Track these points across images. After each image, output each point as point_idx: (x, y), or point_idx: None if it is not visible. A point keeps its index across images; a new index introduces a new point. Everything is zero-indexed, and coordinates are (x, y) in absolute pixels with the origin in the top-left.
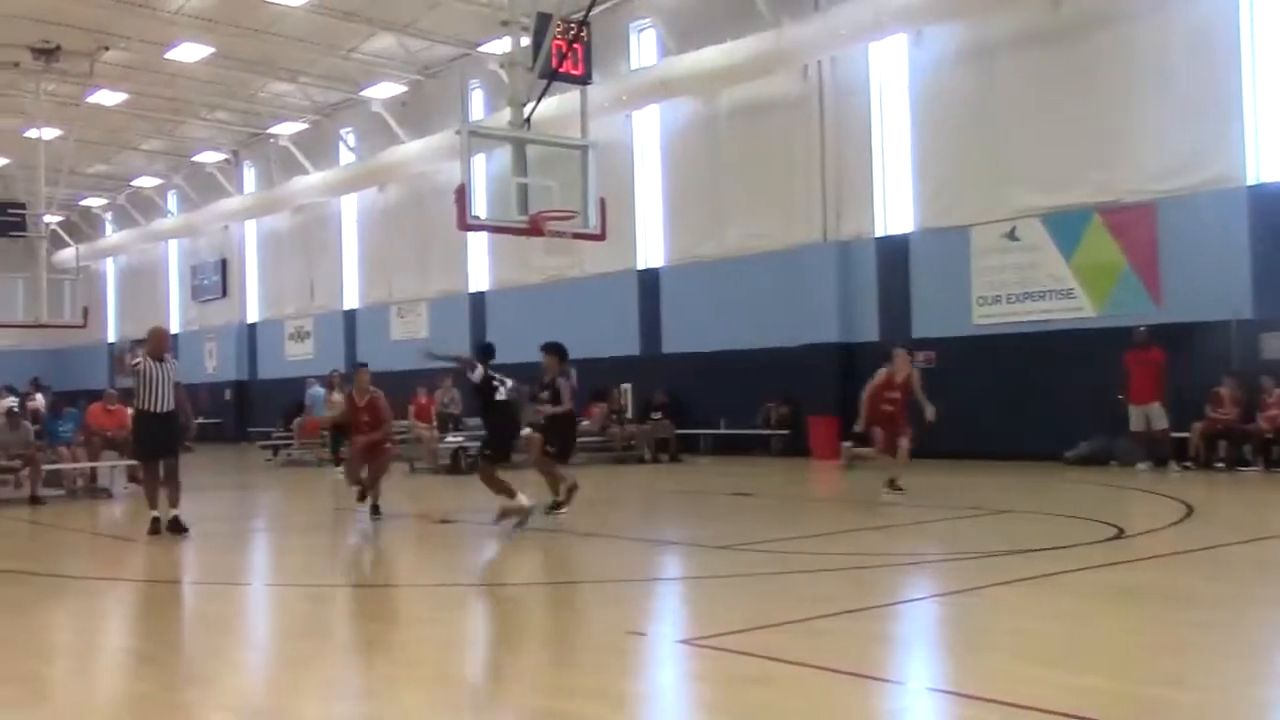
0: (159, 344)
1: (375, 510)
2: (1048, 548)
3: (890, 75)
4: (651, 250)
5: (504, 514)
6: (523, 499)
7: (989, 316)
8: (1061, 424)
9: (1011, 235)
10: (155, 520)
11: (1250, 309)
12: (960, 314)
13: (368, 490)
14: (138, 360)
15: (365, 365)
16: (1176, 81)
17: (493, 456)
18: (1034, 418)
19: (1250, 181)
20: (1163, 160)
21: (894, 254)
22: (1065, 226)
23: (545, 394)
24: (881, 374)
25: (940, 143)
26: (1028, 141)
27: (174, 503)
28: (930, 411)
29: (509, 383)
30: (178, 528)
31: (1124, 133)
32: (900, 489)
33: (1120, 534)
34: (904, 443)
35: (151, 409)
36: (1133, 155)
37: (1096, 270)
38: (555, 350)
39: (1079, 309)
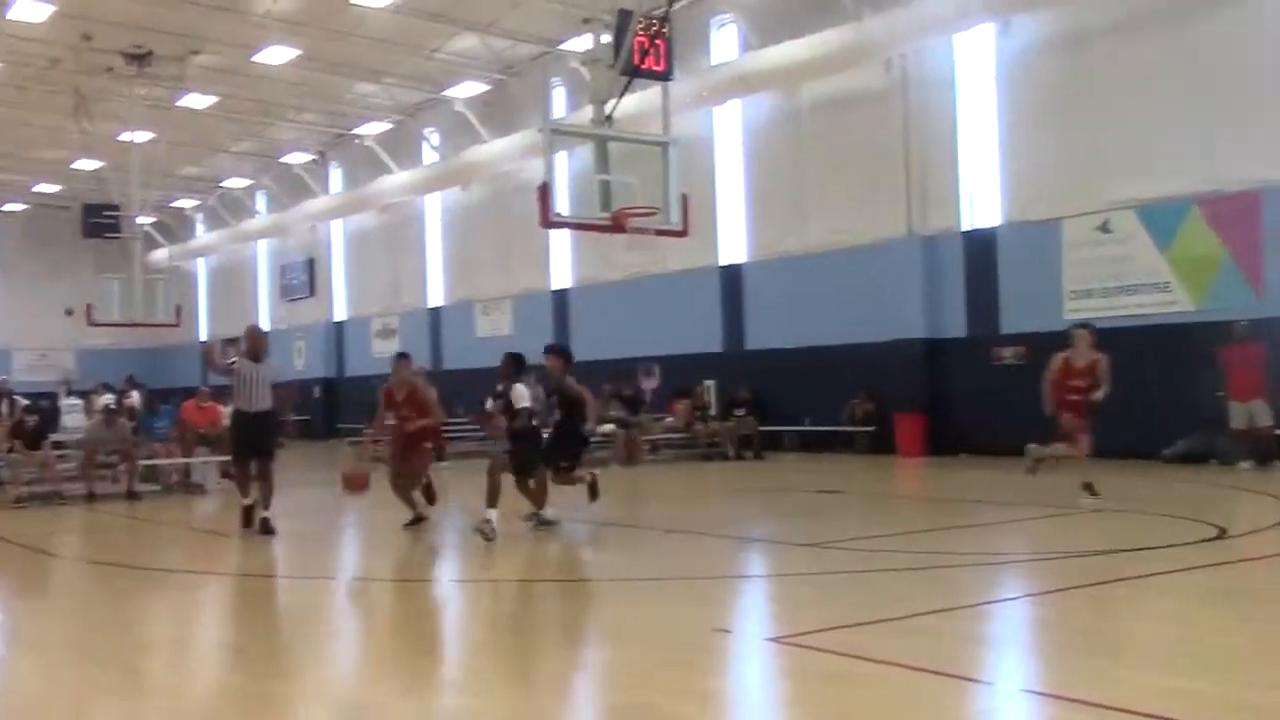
0: (255, 344)
1: (418, 521)
2: (1145, 548)
3: (976, 66)
4: (734, 246)
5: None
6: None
7: (1081, 311)
8: (1158, 421)
9: (1104, 228)
10: (247, 510)
11: None
12: (1050, 308)
13: (408, 497)
14: (233, 360)
15: (406, 355)
16: (1271, 66)
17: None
18: (1129, 414)
19: None
20: (1269, 148)
21: (981, 248)
22: (1161, 218)
23: (553, 398)
24: (1059, 359)
25: (1029, 134)
26: (1121, 132)
27: (265, 504)
28: (1100, 393)
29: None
30: (267, 529)
31: (1225, 120)
32: (1096, 494)
33: (1222, 534)
34: (1082, 440)
35: (246, 409)
36: (1235, 143)
37: (1194, 263)
38: (561, 353)
39: (1175, 303)
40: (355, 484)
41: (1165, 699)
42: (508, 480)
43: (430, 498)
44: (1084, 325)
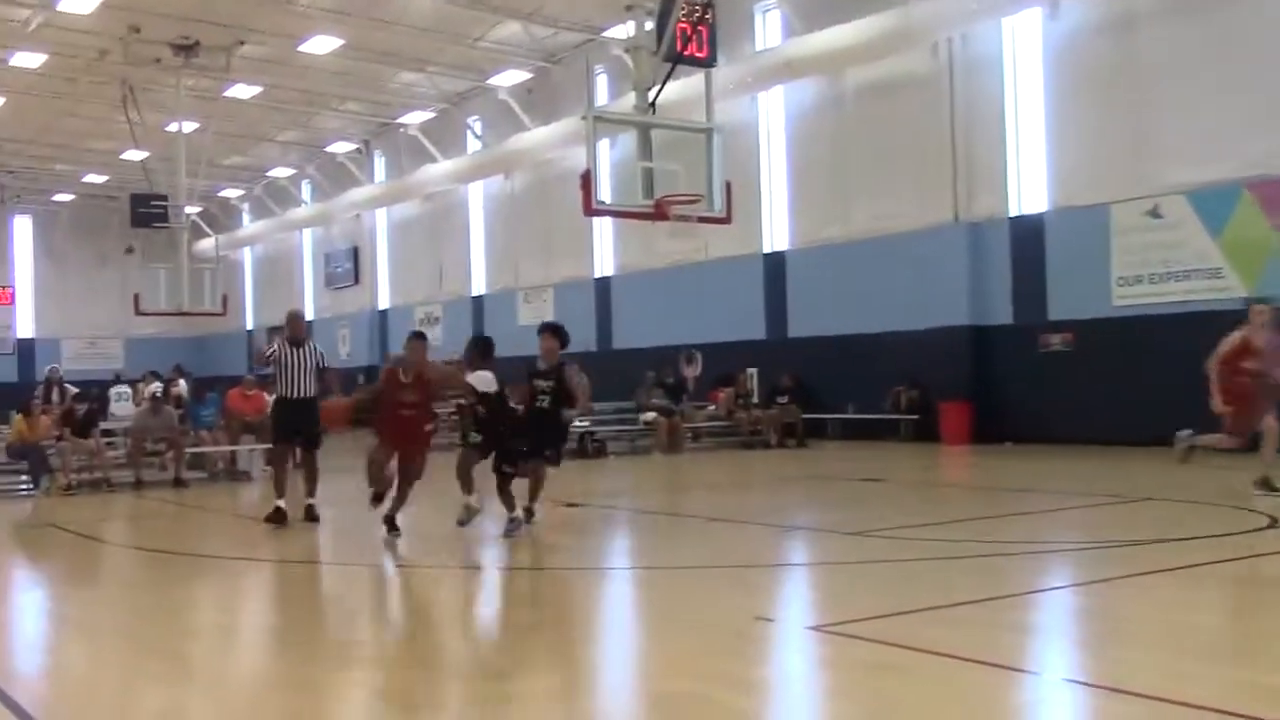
0: (296, 327)
1: (392, 524)
2: (1194, 537)
3: (1024, 50)
4: (777, 233)
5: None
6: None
7: (1130, 298)
8: (1209, 409)
9: (1154, 213)
10: (278, 510)
11: None
12: (1099, 295)
13: (385, 495)
14: (272, 349)
15: (422, 335)
16: None
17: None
18: (1179, 402)
19: None
20: None
21: (1028, 234)
22: (1212, 203)
23: (545, 384)
24: (1235, 338)
25: (1077, 119)
26: (1171, 115)
27: (310, 491)
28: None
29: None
30: (311, 516)
31: (1277, 102)
32: (1276, 489)
33: (1274, 523)
34: (1271, 424)
35: (289, 395)
36: None
37: (1247, 248)
38: (558, 333)
39: (1227, 288)
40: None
41: (1224, 691)
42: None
43: (382, 497)
44: (1263, 300)
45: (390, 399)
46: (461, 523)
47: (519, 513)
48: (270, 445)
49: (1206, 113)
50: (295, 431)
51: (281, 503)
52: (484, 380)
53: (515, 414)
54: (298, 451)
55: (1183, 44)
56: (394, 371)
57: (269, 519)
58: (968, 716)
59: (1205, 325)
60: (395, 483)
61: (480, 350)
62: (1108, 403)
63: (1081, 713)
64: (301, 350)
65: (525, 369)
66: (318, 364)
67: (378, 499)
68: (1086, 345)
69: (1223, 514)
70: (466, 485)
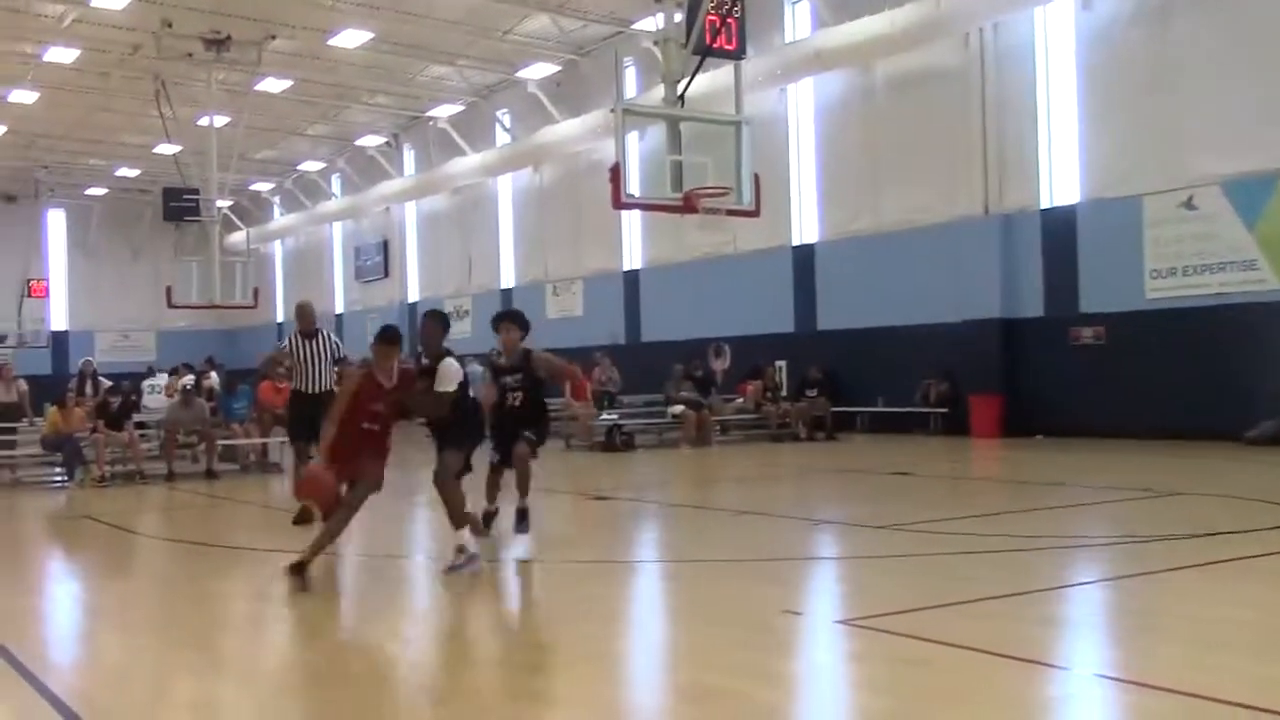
0: (305, 319)
1: (300, 571)
2: (1227, 532)
3: (1056, 41)
4: (806, 226)
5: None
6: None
7: (1163, 290)
8: (1242, 402)
9: (1188, 204)
10: (304, 509)
11: None
12: (1132, 288)
13: (312, 519)
14: (283, 346)
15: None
16: None
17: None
18: (1212, 396)
19: None
20: None
21: (1060, 226)
22: (1248, 193)
23: (513, 379)
24: None
25: (1110, 110)
26: (1206, 106)
27: None
28: None
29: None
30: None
31: None
32: None
33: None
34: None
35: (304, 389)
36: None
37: None
38: (517, 321)
39: (1262, 280)
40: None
41: (1257, 687)
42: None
43: (309, 517)
44: None
45: (357, 409)
46: (460, 563)
47: (470, 544)
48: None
49: (1241, 103)
50: (312, 427)
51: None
52: (449, 374)
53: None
54: (311, 449)
55: (1216, 34)
56: (369, 376)
57: (297, 520)
58: (996, 711)
59: (1239, 318)
60: (344, 506)
61: (440, 327)
62: (1139, 396)
63: (1111, 707)
64: (314, 342)
65: (487, 367)
66: (333, 355)
67: (304, 519)
68: (1118, 339)
69: (1253, 509)
70: (457, 517)
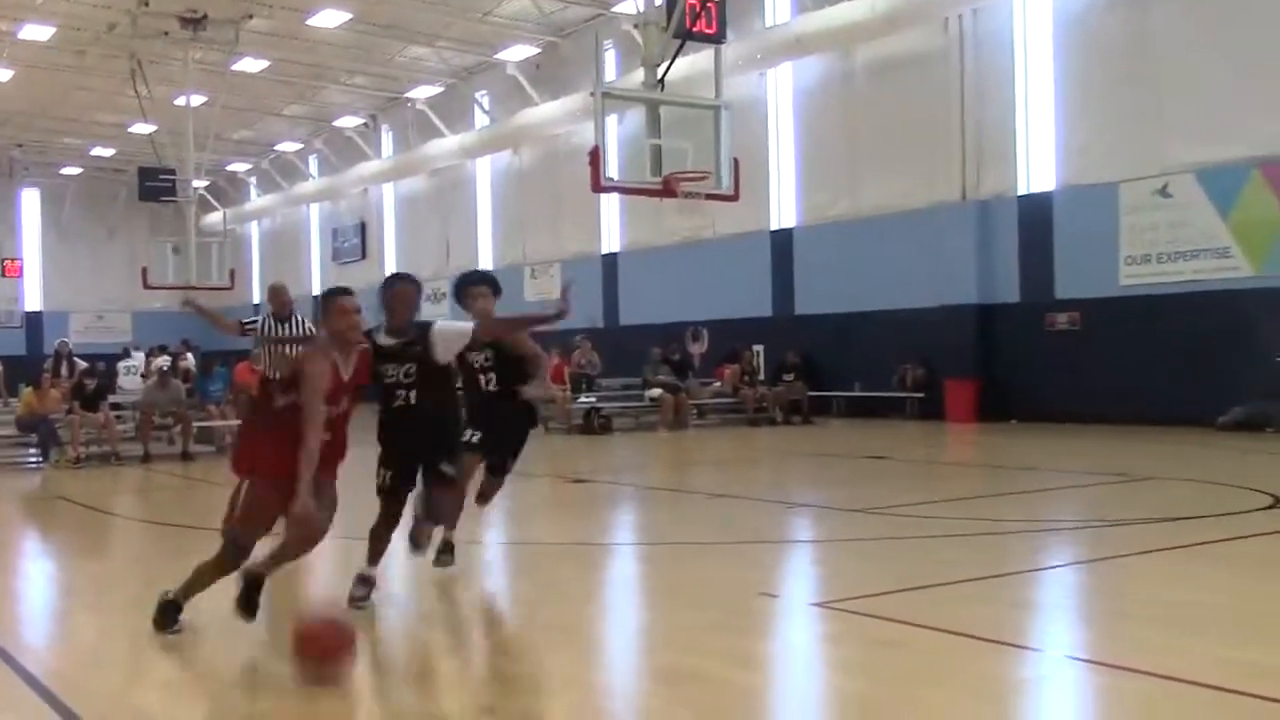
0: (279, 301)
1: (248, 601)
2: (1197, 516)
3: (1035, 27)
4: (785, 210)
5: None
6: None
7: (1137, 277)
8: (1214, 388)
9: (1163, 192)
10: None
11: None
12: (1106, 274)
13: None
14: (250, 321)
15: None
16: None
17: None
18: (1185, 382)
19: None
20: None
21: (1036, 212)
22: (1222, 182)
23: (480, 357)
24: None
25: (1087, 97)
26: (1182, 94)
27: None
28: None
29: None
30: None
31: None
32: None
33: (1276, 503)
34: None
35: (274, 375)
36: None
37: (1255, 228)
38: (489, 281)
39: (1235, 268)
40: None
41: (1226, 669)
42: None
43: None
44: None
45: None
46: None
47: (371, 572)
48: None
49: (1217, 92)
50: None
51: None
52: (449, 335)
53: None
54: None
55: (1194, 22)
56: (326, 358)
57: None
58: (969, 692)
59: (1212, 305)
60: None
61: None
62: (1113, 382)
63: (1083, 689)
64: (287, 326)
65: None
66: (306, 338)
67: (243, 551)
68: (1093, 325)
69: (1226, 493)
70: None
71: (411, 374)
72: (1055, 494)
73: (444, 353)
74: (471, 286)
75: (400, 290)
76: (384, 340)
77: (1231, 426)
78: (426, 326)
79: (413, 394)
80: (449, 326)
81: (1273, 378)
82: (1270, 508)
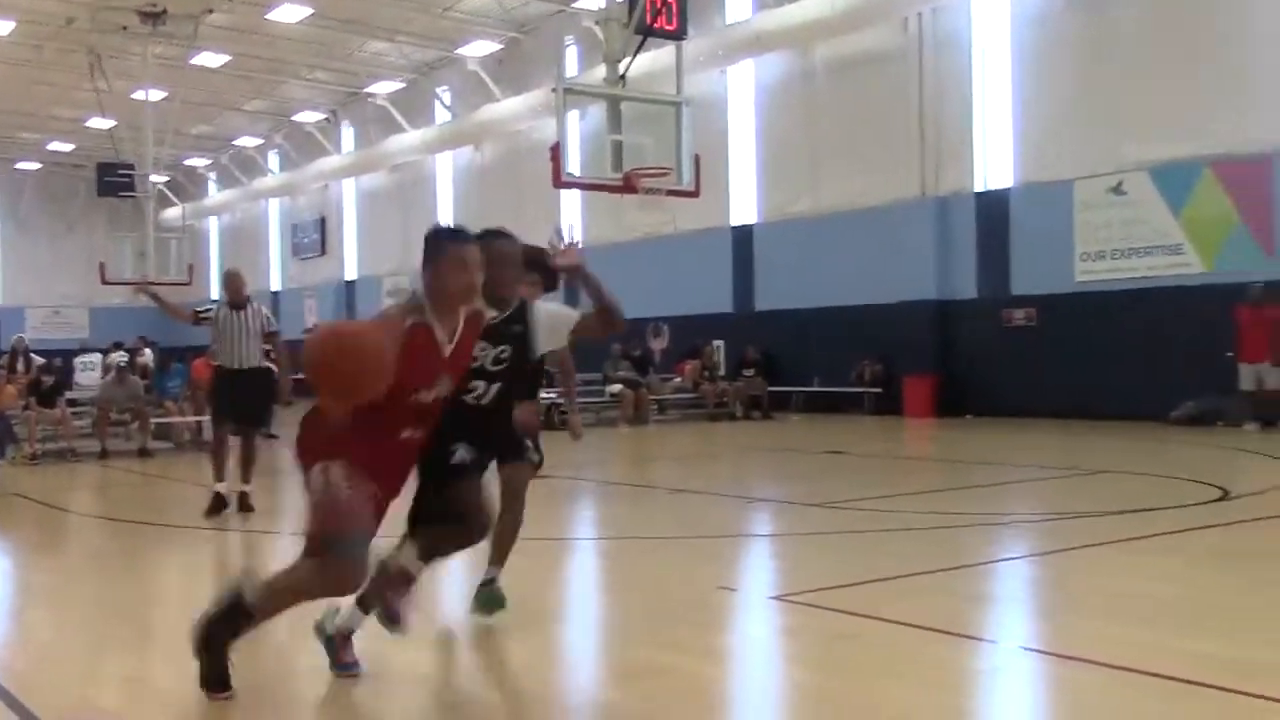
0: (235, 289)
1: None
2: (1147, 509)
3: (993, 25)
4: (745, 207)
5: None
6: None
7: (1092, 273)
8: (1167, 383)
9: (1118, 189)
10: (218, 496)
11: None
12: (1062, 271)
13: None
14: (205, 310)
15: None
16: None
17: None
18: (1138, 377)
19: None
20: (1276, 112)
21: (994, 209)
22: (1175, 180)
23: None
24: None
25: (1044, 95)
26: (1136, 93)
27: (246, 477)
28: None
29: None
30: (245, 506)
31: (1239, 83)
32: None
33: (1225, 495)
34: None
35: (230, 365)
36: (1248, 106)
37: (1207, 225)
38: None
39: (1187, 265)
40: None
41: (1177, 660)
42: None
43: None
44: None
45: (404, 397)
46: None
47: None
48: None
49: (1170, 90)
50: (237, 409)
51: (221, 487)
52: (556, 320)
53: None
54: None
55: (1148, 21)
56: (426, 330)
57: (208, 511)
58: (926, 684)
59: (1165, 302)
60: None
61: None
62: (1068, 378)
63: (1037, 679)
64: (243, 314)
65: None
66: (263, 328)
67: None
68: (1048, 320)
69: (1177, 486)
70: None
71: (504, 361)
72: (1010, 488)
73: (545, 341)
74: (511, 264)
75: (501, 248)
76: (491, 313)
77: (1184, 421)
78: (524, 303)
79: (494, 389)
80: (556, 309)
81: (1223, 373)
82: (1219, 500)
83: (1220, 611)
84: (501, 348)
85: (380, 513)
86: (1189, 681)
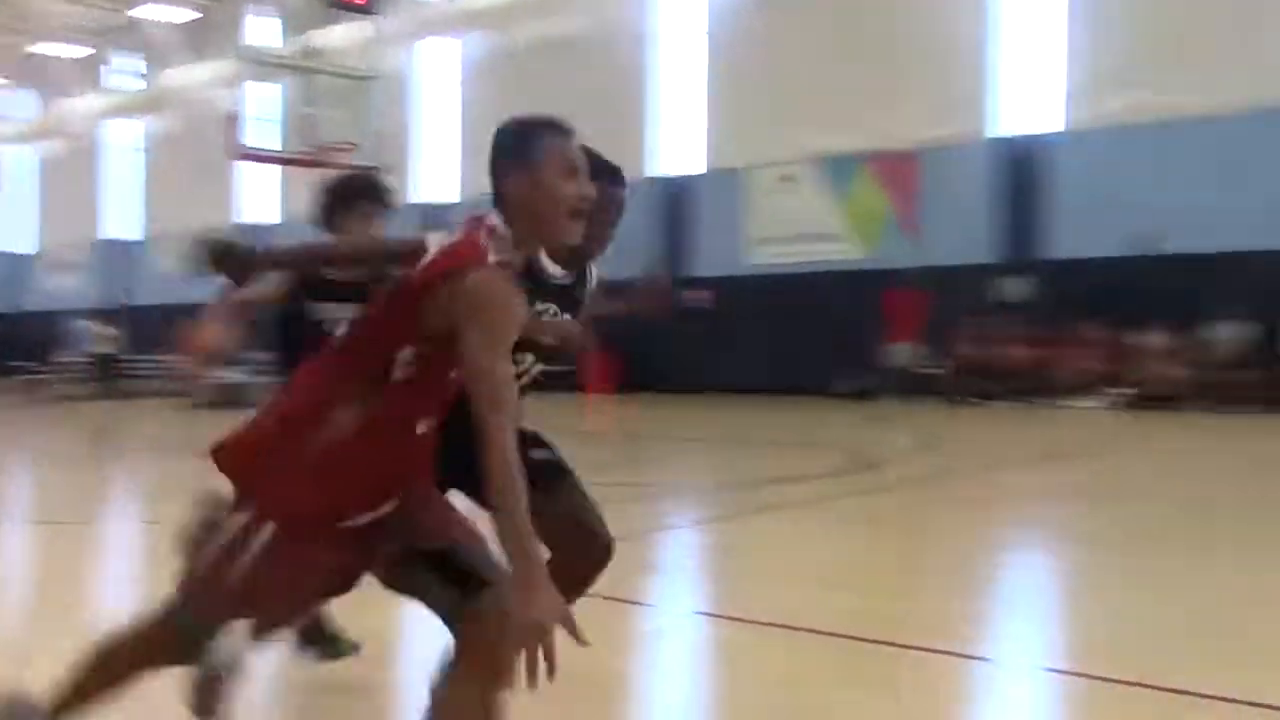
0: None
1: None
2: (797, 477)
3: (690, 17)
4: (445, 185)
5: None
6: None
7: (763, 256)
8: (829, 360)
9: (787, 178)
10: None
11: (991, 254)
12: (735, 254)
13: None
14: None
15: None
16: (931, 38)
17: None
18: (804, 353)
19: (992, 135)
20: (927, 111)
21: (678, 194)
22: (838, 172)
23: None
24: None
25: (729, 87)
26: (811, 88)
27: None
28: None
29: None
30: None
31: (893, 84)
32: None
33: (869, 466)
34: None
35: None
36: (900, 105)
37: (864, 215)
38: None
39: (846, 251)
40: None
41: (826, 613)
42: None
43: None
44: None
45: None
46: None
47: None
48: None
49: (839, 88)
50: None
51: None
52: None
53: None
54: None
55: (825, 21)
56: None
57: None
58: (599, 644)
59: (827, 284)
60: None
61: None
62: (742, 354)
63: (709, 641)
64: None
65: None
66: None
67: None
68: (724, 301)
69: (831, 454)
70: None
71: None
72: (678, 457)
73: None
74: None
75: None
76: (549, 267)
77: (843, 394)
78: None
79: (537, 369)
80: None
81: (879, 351)
82: (866, 470)
83: (858, 570)
84: (567, 316)
85: (366, 563)
86: (835, 634)
